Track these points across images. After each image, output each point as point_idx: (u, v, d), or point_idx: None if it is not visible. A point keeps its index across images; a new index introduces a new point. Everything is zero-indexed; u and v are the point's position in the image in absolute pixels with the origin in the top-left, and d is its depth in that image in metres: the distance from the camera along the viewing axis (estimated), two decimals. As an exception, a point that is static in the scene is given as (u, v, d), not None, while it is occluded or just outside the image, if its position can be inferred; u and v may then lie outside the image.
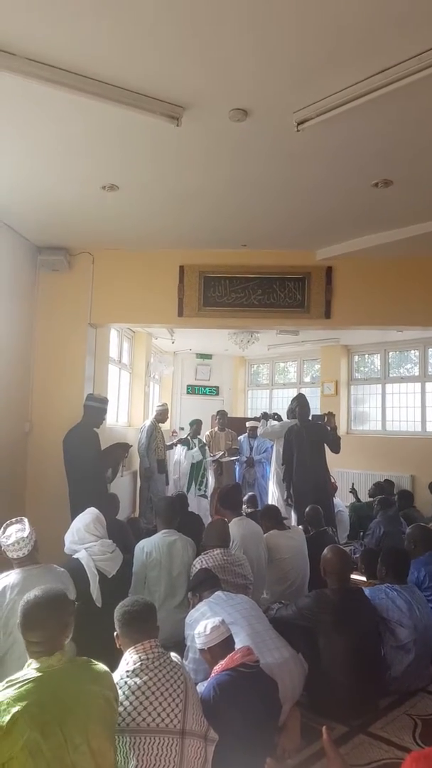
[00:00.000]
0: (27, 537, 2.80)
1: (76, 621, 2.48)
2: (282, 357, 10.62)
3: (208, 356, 10.67)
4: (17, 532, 2.82)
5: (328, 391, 9.30)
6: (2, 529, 2.87)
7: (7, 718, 1.66)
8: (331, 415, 6.03)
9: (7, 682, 1.79)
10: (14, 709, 1.68)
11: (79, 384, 5.23)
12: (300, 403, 5.90)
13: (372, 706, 2.97)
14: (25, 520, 2.92)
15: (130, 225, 4.75)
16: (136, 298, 5.33)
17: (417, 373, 8.79)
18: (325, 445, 5.79)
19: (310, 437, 5.71)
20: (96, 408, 4.86)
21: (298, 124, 3.01)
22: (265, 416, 7.31)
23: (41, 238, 5.08)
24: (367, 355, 9.51)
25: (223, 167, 3.65)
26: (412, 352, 8.96)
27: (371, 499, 6.69)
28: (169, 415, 7.69)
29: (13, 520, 2.93)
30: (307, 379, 10.33)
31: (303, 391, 9.77)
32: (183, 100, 2.92)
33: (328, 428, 5.89)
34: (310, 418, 5.97)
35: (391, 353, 9.13)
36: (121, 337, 7.55)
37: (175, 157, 3.54)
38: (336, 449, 5.82)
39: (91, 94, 2.80)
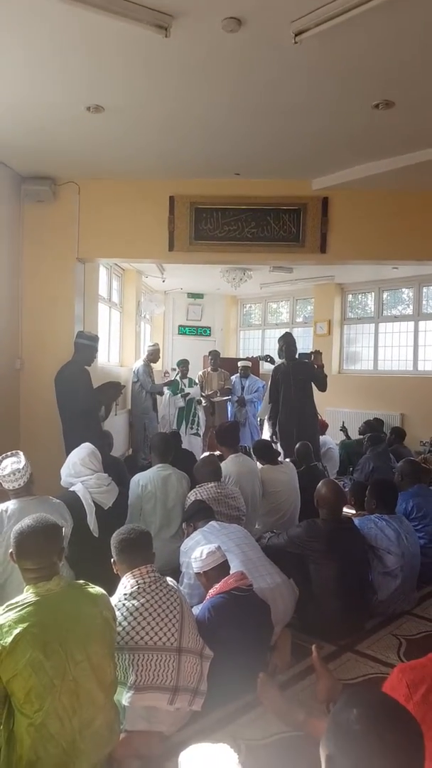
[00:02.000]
0: (22, 468, 2.84)
1: (74, 550, 2.54)
2: (274, 296, 10.49)
3: (200, 296, 10.51)
4: (13, 464, 2.85)
5: (320, 330, 9.24)
6: None
7: (9, 638, 1.72)
8: (318, 353, 6.00)
9: (7, 606, 1.84)
10: (16, 630, 1.74)
11: (69, 321, 5.13)
12: (286, 342, 5.86)
13: (359, 627, 3.10)
14: (21, 453, 2.95)
15: (116, 151, 4.52)
16: (125, 231, 5.15)
17: (410, 312, 8.73)
18: (313, 383, 5.80)
19: (296, 375, 5.70)
20: (87, 346, 4.79)
21: (296, 35, 2.81)
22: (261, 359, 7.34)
23: (25, 166, 4.84)
24: (360, 295, 9.40)
25: (215, 84, 3.43)
26: (406, 292, 8.87)
27: (361, 436, 6.78)
28: (160, 355, 7.64)
29: (9, 453, 2.95)
30: (300, 319, 10.25)
31: (295, 330, 9.73)
32: (172, 7, 2.70)
33: (315, 366, 5.87)
34: (296, 356, 5.94)
35: (385, 292, 9.03)
36: (111, 274, 7.37)
37: (163, 74, 3.32)
38: (322, 387, 5.82)
39: (70, 0, 2.58)
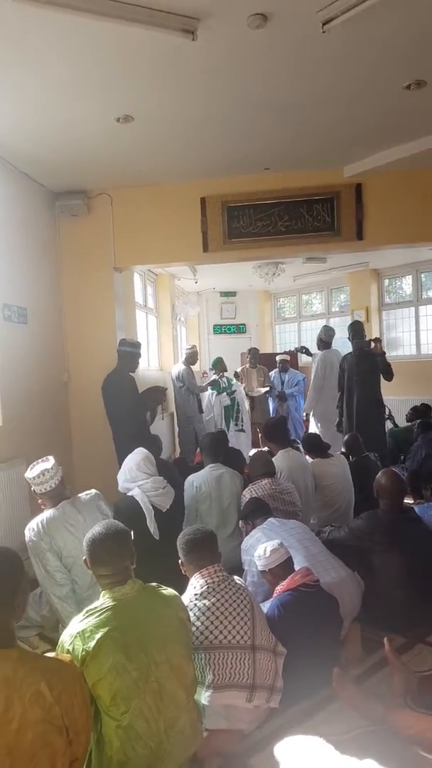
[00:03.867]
0: (51, 469, 2.89)
1: (136, 554, 2.57)
2: (308, 287, 10.39)
3: (232, 294, 10.51)
4: (41, 465, 2.91)
5: (358, 318, 9.11)
6: (30, 468, 2.96)
7: (92, 643, 1.77)
8: (377, 340, 5.93)
9: (86, 612, 1.89)
10: (98, 635, 1.79)
11: (110, 330, 5.21)
12: (354, 331, 5.83)
13: (429, 617, 3.04)
14: (51, 457, 3.00)
15: (146, 158, 4.56)
16: (159, 236, 5.20)
17: (450, 293, 8.52)
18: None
19: (362, 365, 5.65)
20: (129, 353, 4.86)
21: (323, 24, 2.78)
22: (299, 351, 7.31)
23: (57, 182, 4.93)
24: (397, 279, 9.22)
25: (242, 82, 3.43)
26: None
27: (409, 423, 6.65)
28: (198, 356, 7.68)
29: (40, 459, 3.01)
30: (335, 309, 10.13)
31: (332, 320, 9.62)
32: (198, 10, 2.71)
33: (377, 355, 5.80)
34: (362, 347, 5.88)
35: (423, 274, 8.83)
36: (144, 280, 7.46)
37: (191, 78, 3.33)
38: (389, 376, 5.74)
39: (98, 15, 2.61)
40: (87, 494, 3.08)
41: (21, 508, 4.01)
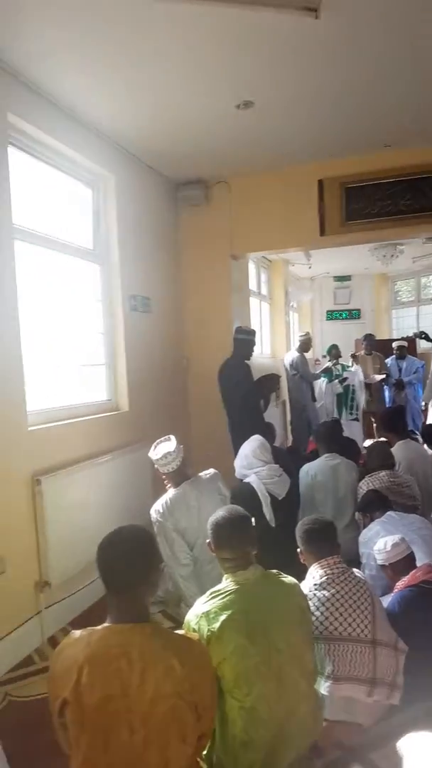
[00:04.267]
0: (174, 451, 3.02)
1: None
2: (428, 269, 9.82)
3: (347, 278, 10.21)
4: (165, 447, 3.04)
5: None
6: (153, 447, 3.10)
7: (216, 624, 1.82)
8: None
9: (210, 594, 1.95)
10: (222, 617, 1.83)
11: (226, 318, 5.30)
12: None
13: None
14: (172, 437, 3.12)
15: (265, 143, 4.53)
16: (275, 222, 5.16)
17: None
18: None
19: None
20: (245, 340, 4.89)
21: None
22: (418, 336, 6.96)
23: (179, 173, 5.05)
24: None
25: (362, 56, 3.27)
26: None
27: None
28: (312, 344, 7.57)
29: (162, 438, 3.14)
30: (459, 292, 9.49)
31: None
32: (321, -14, 2.63)
33: None
34: None
35: None
36: (258, 267, 7.46)
37: (310, 57, 3.24)
38: None
39: (221, 1, 2.62)
40: (206, 474, 3.19)
41: (145, 489, 4.23)
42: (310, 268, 8.58)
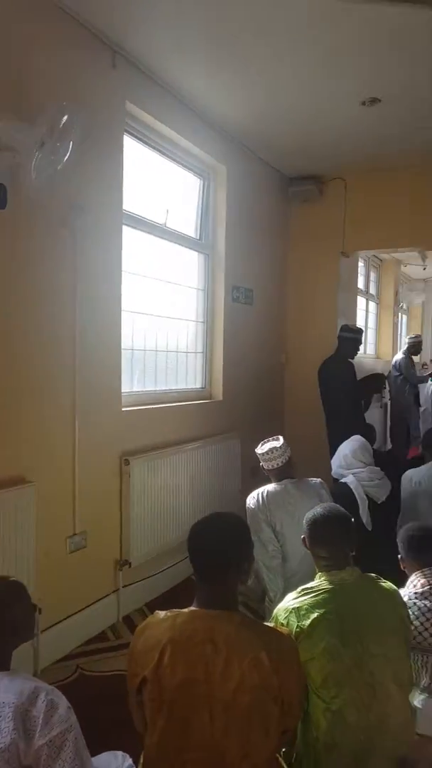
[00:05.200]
0: (280, 447, 2.97)
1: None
2: None
3: (464, 281, 9.59)
4: (271, 443, 3.00)
5: None
6: (261, 444, 3.08)
7: (307, 621, 1.77)
8: None
9: (302, 590, 1.89)
10: (313, 615, 1.78)
11: (331, 315, 5.18)
12: None
13: None
14: (281, 437, 3.08)
15: (388, 142, 4.38)
16: (392, 222, 4.97)
17: None
18: None
19: None
20: (351, 339, 4.76)
21: None
22: None
23: (292, 167, 5.01)
24: None
25: None
26: None
27: None
28: (422, 347, 7.19)
29: (271, 438, 3.11)
30: None
31: None
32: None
33: None
34: None
35: None
36: (368, 266, 7.22)
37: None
38: None
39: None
40: (312, 480, 3.13)
41: (233, 480, 4.24)
42: (425, 269, 8.15)
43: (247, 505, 2.96)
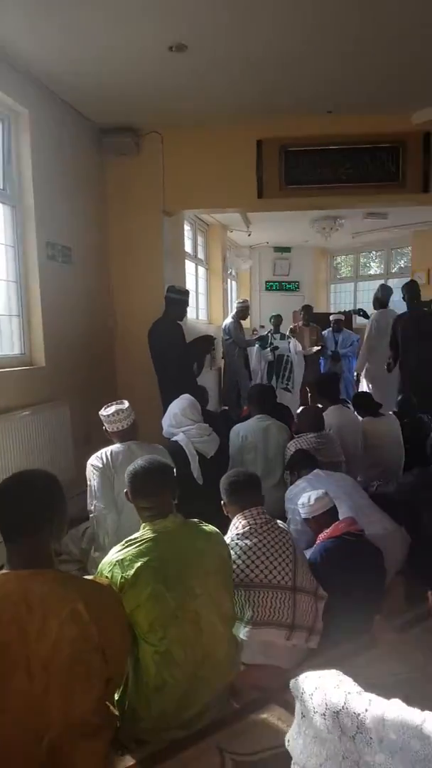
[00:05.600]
0: (125, 410, 2.95)
1: (179, 499, 2.61)
2: (367, 246, 10.01)
3: (287, 249, 10.24)
4: (117, 405, 2.96)
5: (419, 281, 8.70)
6: (104, 407, 3.01)
7: (131, 571, 1.79)
8: None
9: (126, 542, 1.91)
10: (137, 564, 1.80)
11: (157, 277, 5.13)
12: (410, 292, 5.60)
13: None
14: (125, 401, 3.05)
15: (201, 93, 4.34)
16: (211, 180, 5.02)
17: None
18: None
19: (420, 326, 5.43)
20: (177, 300, 4.78)
21: None
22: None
23: (105, 117, 4.75)
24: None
25: (308, 14, 3.20)
26: None
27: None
28: (249, 311, 7.57)
29: (115, 401, 3.06)
30: (395, 270, 9.72)
31: (390, 281, 9.25)
32: None
33: None
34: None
35: None
36: (195, 230, 7.33)
37: (251, 4, 3.11)
38: None
39: None
40: (155, 446, 3.11)
41: (63, 448, 4.09)
42: (249, 235, 8.52)
43: (89, 463, 2.87)
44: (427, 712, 1.11)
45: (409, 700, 1.22)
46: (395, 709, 1.15)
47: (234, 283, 9.68)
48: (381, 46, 3.59)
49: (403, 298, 5.68)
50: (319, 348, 7.64)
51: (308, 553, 2.52)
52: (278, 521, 2.40)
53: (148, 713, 1.78)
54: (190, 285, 6.70)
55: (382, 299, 6.38)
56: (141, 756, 1.78)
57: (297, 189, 4.93)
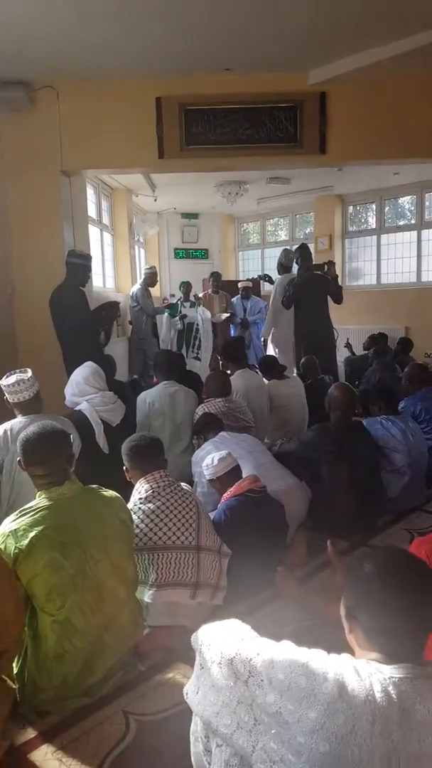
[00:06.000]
0: (28, 380, 2.78)
1: (84, 469, 2.53)
2: (273, 212, 10.10)
3: (195, 216, 10.12)
4: (18, 375, 2.79)
5: (321, 246, 8.96)
6: (5, 376, 2.83)
7: (25, 541, 1.72)
8: (331, 264, 5.81)
9: (19, 512, 1.83)
10: (31, 534, 1.74)
11: (58, 241, 4.88)
12: (303, 254, 5.70)
13: (372, 524, 3.14)
14: (29, 370, 2.88)
15: (96, 47, 4.12)
16: (111, 139, 4.81)
17: (413, 222, 8.42)
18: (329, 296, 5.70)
19: (312, 288, 5.56)
20: (79, 265, 4.59)
21: None
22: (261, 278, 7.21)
23: (-5, 69, 4.43)
24: (361, 206, 9.04)
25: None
26: (408, 202, 8.51)
27: (365, 352, 6.71)
28: (158, 278, 7.43)
29: (18, 370, 2.88)
30: (300, 237, 9.91)
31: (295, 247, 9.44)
32: None
33: (329, 278, 5.72)
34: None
35: (386, 205, 8.67)
36: (99, 194, 7.03)
37: None
38: (338, 299, 5.73)
39: None
40: (59, 419, 2.95)
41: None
42: (155, 200, 8.31)
43: None
44: (313, 650, 1.14)
45: (307, 644, 1.26)
46: (284, 650, 1.18)
47: (142, 250, 9.45)
48: (274, 4, 3.53)
49: (296, 261, 5.80)
50: (228, 315, 7.67)
51: (213, 514, 2.54)
52: (182, 483, 2.40)
53: (49, 683, 1.74)
54: (95, 251, 6.45)
55: (285, 264, 6.49)
56: (43, 728, 1.73)
57: (197, 150, 4.84)
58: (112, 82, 4.70)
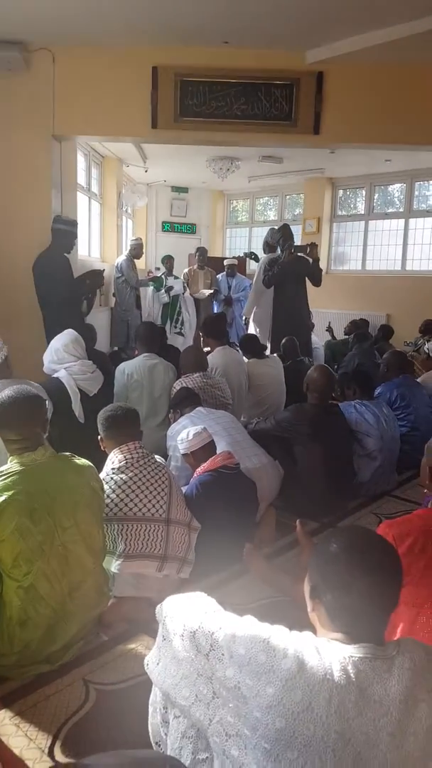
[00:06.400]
0: None
1: (60, 437, 2.51)
2: (263, 191, 9.99)
3: (184, 189, 9.97)
4: None
5: (309, 228, 8.91)
6: None
7: None
8: (313, 245, 5.78)
9: (-11, 476, 1.80)
10: (1, 498, 1.73)
11: (45, 205, 4.77)
12: (284, 234, 5.64)
13: (342, 506, 3.20)
14: None
15: (94, 12, 4.00)
16: (105, 105, 4.70)
17: (402, 210, 8.41)
18: (307, 278, 5.67)
19: (293, 269, 5.54)
20: (65, 231, 4.52)
21: None
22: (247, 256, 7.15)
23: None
24: (351, 191, 8.99)
25: None
26: (397, 190, 8.49)
27: (346, 336, 6.75)
28: (144, 250, 7.32)
29: None
30: (288, 217, 9.83)
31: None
32: None
33: (310, 260, 5.70)
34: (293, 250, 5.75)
35: (376, 192, 8.64)
36: (89, 161, 6.88)
37: None
38: (317, 282, 5.71)
39: None
40: (29, 383, 2.91)
41: None
42: (146, 171, 8.16)
43: None
44: (275, 627, 1.15)
45: (270, 621, 1.27)
46: (246, 626, 1.19)
47: (129, 221, 9.30)
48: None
49: (278, 241, 5.77)
50: (212, 292, 7.62)
51: (186, 488, 2.56)
52: (156, 456, 2.40)
53: (10, 649, 1.75)
54: (82, 219, 6.32)
55: (272, 243, 6.42)
56: (2, 693, 1.74)
57: (191, 122, 4.76)
58: (110, 48, 4.59)
